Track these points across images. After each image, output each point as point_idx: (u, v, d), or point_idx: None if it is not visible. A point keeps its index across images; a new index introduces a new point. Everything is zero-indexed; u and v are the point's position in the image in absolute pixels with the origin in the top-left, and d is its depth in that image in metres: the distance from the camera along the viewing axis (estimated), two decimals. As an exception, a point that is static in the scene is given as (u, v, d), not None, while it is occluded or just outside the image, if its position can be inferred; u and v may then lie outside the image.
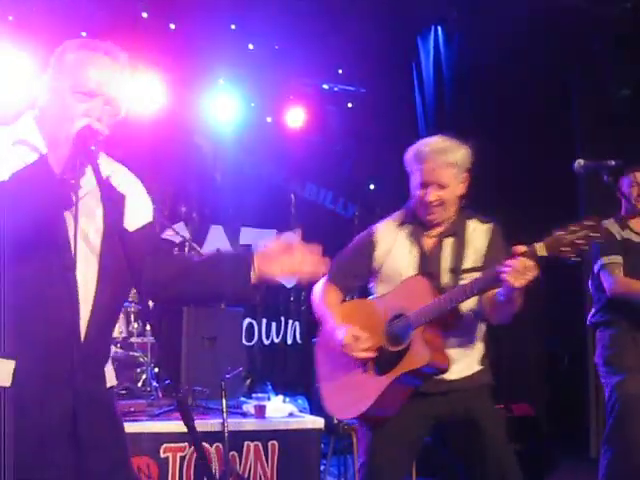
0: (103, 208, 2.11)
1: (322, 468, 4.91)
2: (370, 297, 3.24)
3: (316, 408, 5.23)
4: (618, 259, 4.06)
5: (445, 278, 3.02)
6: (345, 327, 3.02)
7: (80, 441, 2.02)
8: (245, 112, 7.42)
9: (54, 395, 2.01)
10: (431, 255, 3.07)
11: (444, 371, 2.94)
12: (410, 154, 3.11)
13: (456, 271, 3.02)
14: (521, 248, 2.66)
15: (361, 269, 3.21)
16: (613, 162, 3.59)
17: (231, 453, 4.28)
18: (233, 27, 6.89)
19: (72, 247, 1.99)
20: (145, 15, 6.59)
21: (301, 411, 5.14)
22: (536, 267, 2.63)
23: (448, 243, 3.09)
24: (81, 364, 2.01)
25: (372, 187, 8.12)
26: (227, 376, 4.39)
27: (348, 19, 6.71)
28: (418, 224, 3.13)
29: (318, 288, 3.25)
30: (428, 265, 3.05)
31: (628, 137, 6.69)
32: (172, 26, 6.77)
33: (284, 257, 2.18)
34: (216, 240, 7.42)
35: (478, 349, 3.11)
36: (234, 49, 6.92)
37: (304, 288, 7.60)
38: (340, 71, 7.66)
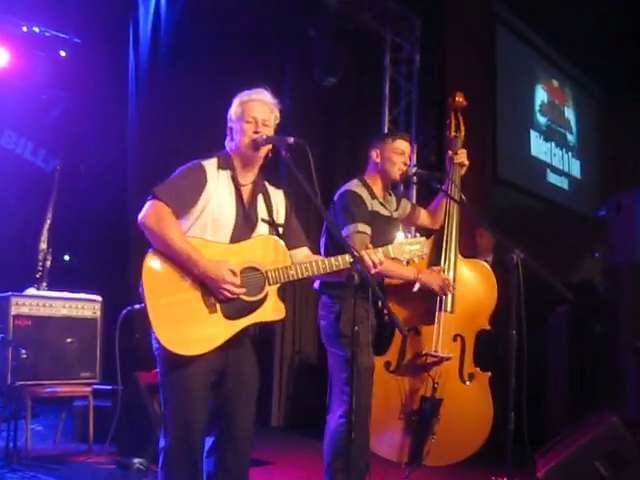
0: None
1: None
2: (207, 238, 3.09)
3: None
4: None
5: (261, 228, 3.18)
6: (224, 263, 2.97)
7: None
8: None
9: None
10: (249, 204, 3.18)
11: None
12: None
13: (271, 223, 3.22)
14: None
15: (192, 198, 3.08)
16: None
17: None
18: None
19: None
20: None
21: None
22: None
23: (260, 196, 3.25)
24: None
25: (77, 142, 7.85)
26: None
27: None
28: (233, 170, 3.18)
29: (152, 210, 2.99)
30: (248, 214, 3.16)
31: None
32: None
33: None
34: None
35: None
36: None
37: None
38: (53, 16, 7.28)
